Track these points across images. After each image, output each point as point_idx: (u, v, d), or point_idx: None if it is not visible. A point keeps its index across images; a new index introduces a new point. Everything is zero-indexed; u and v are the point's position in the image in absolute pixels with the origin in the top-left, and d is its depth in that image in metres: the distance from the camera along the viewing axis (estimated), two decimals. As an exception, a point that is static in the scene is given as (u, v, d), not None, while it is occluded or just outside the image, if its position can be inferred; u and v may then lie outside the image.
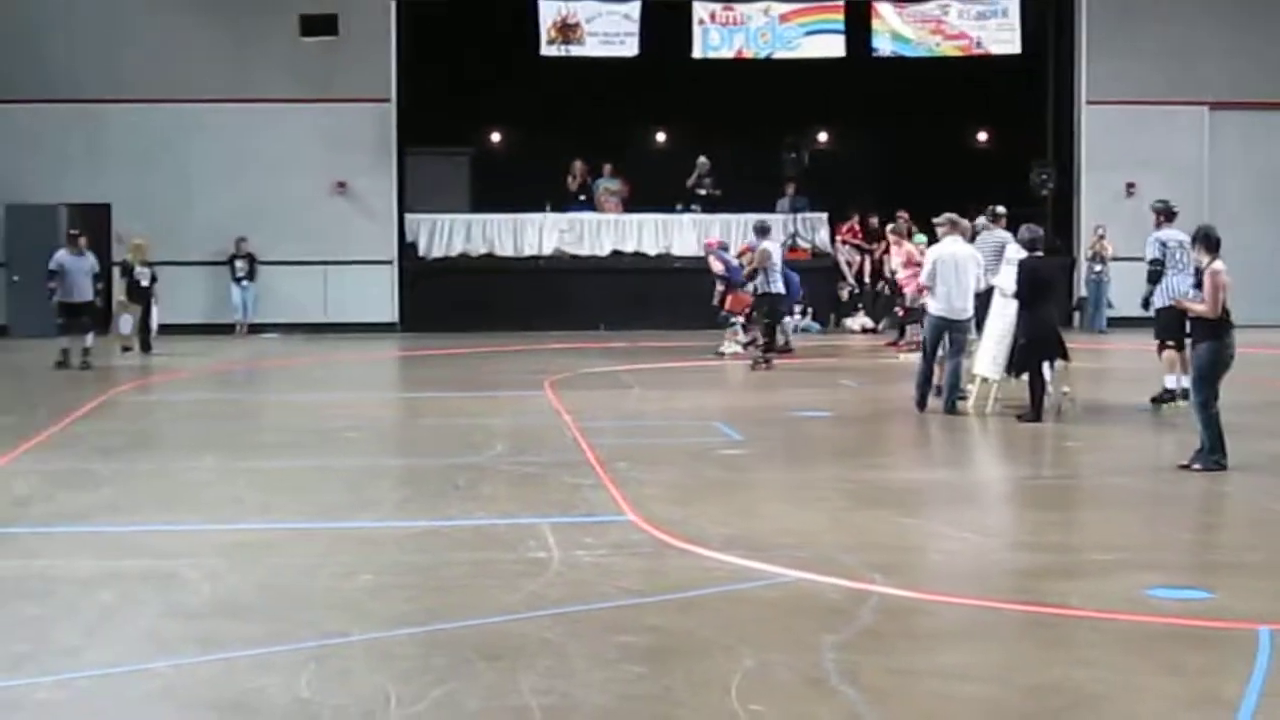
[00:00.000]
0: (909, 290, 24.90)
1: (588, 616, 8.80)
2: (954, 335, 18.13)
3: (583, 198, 34.40)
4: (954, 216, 18.79)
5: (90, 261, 24.88)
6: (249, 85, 32.37)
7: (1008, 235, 19.26)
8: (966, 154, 36.65)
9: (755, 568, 9.91)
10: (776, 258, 24.21)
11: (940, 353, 18.30)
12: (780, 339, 25.64)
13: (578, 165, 34.55)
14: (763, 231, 24.83)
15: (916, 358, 19.38)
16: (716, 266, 26.09)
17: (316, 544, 10.88)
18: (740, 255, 26.55)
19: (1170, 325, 17.57)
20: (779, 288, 24.04)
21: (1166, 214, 18.92)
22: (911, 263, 24.81)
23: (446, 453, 15.33)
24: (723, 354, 25.49)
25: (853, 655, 7.98)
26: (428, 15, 33.29)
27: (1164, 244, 18.50)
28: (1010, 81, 33.83)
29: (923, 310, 22.65)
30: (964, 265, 18.18)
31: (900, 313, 26.54)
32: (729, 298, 25.64)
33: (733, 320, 25.89)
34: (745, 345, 25.46)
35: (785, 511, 12.10)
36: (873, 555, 10.26)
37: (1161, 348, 18.39)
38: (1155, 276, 18.43)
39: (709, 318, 26.27)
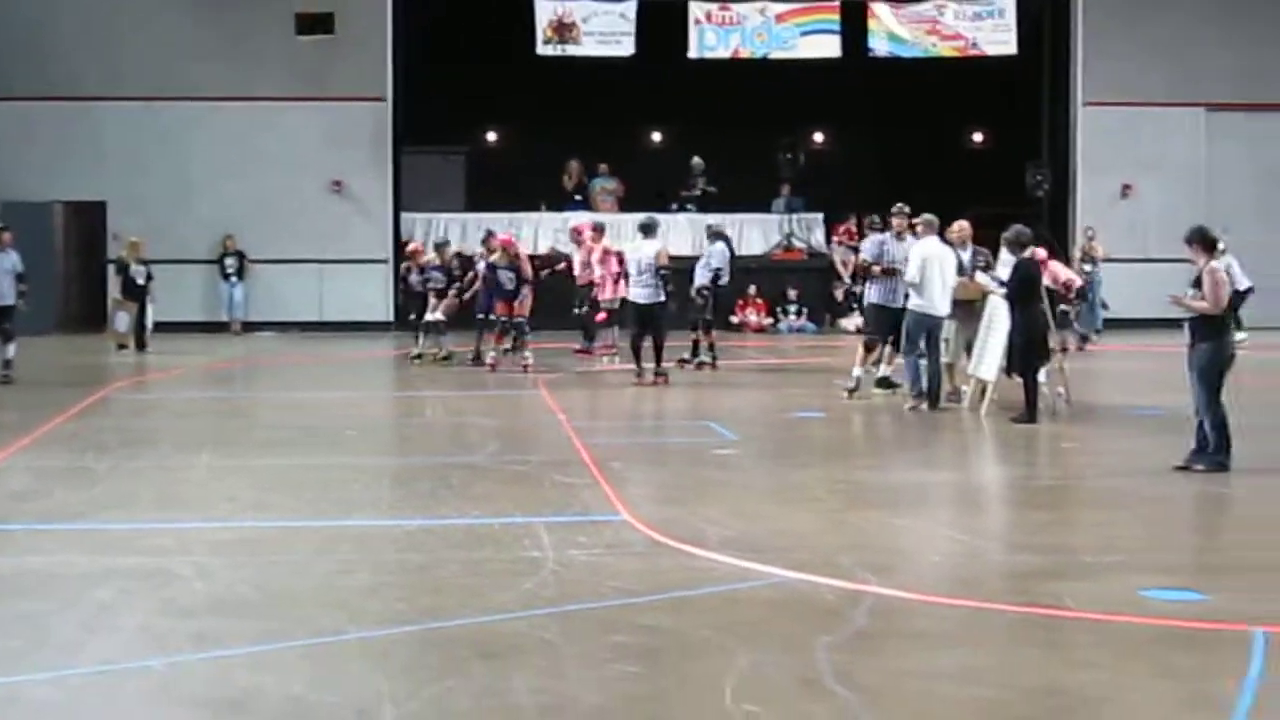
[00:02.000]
0: (606, 294, 24.23)
1: (582, 616, 8.80)
2: (934, 333, 18.42)
3: (579, 197, 34.46)
4: (931, 217, 18.95)
5: (13, 259, 22.18)
6: (246, 84, 32.41)
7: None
8: (962, 155, 36.74)
9: (750, 568, 9.90)
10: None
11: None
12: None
13: (574, 165, 34.63)
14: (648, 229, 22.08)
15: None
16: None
17: (311, 542, 10.87)
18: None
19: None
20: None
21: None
22: (609, 261, 24.22)
23: (440, 452, 15.35)
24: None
25: (847, 656, 7.98)
26: (423, 13, 33.30)
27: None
28: (1006, 82, 33.84)
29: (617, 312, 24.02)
30: (947, 263, 18.47)
31: (600, 317, 24.52)
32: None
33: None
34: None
35: (780, 512, 12.09)
36: (867, 556, 10.25)
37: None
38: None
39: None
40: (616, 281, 23.80)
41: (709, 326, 23.64)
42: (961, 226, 19.29)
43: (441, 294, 24.85)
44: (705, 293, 23.46)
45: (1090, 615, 8.79)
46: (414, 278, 25.40)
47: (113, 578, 9.70)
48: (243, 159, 32.50)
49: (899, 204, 19.97)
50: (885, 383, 19.50)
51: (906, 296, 18.65)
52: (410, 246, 26.73)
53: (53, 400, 19.47)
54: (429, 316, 24.96)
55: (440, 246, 25.67)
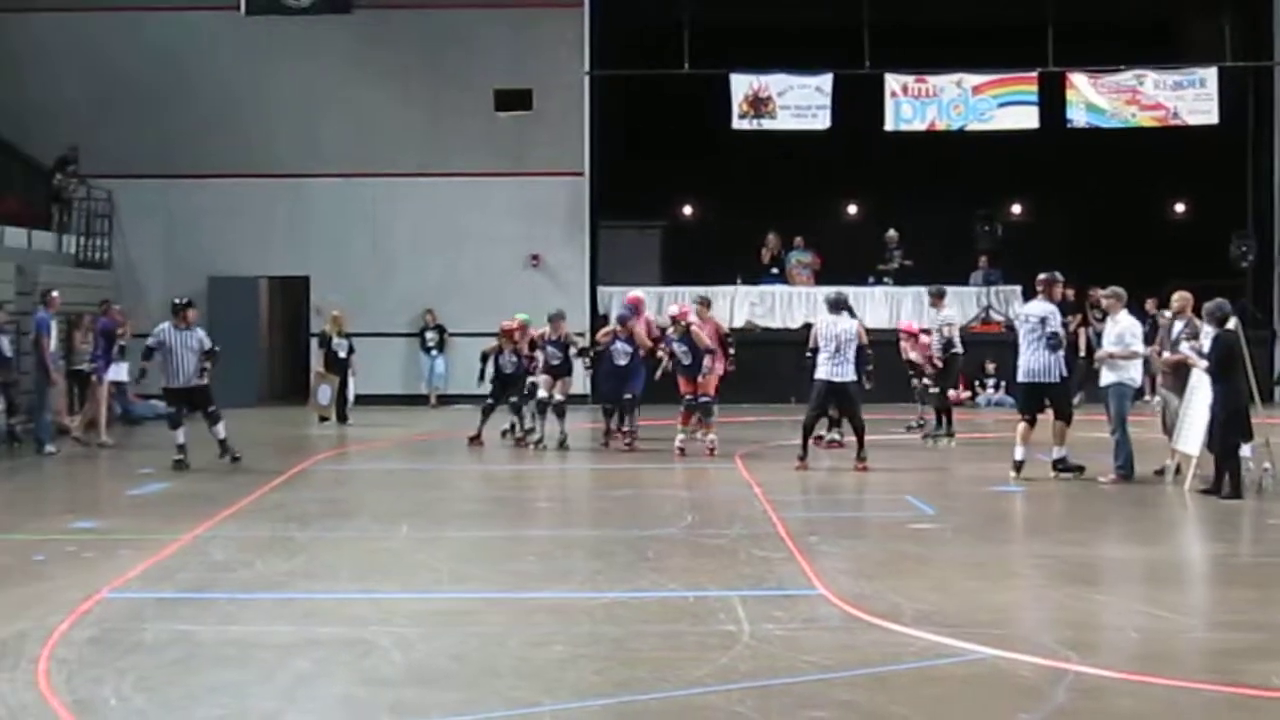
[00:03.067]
0: (718, 368, 22.79)
1: (778, 691, 8.75)
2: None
3: (775, 270, 34.43)
4: (1119, 290, 18.81)
5: (199, 336, 20.88)
6: (445, 159, 32.87)
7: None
8: (1164, 225, 36.21)
9: (948, 644, 9.80)
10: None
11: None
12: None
13: (771, 238, 34.59)
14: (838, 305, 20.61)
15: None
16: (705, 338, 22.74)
17: (508, 614, 10.94)
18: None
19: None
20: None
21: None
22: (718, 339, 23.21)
23: (636, 524, 15.36)
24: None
25: (1047, 734, 7.87)
26: (620, 89, 33.63)
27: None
28: (1208, 152, 33.34)
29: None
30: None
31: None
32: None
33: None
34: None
35: (979, 588, 11.96)
36: (1067, 633, 10.11)
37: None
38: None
39: (901, 389, 25.58)
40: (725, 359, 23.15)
41: None
42: (1183, 296, 18.95)
43: (557, 372, 23.11)
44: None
45: (1299, 696, 8.59)
46: (504, 358, 23.52)
47: (313, 648, 9.83)
48: (442, 233, 32.94)
49: (1053, 272, 19.54)
50: (1064, 464, 19.03)
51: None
52: (505, 324, 23.97)
53: (256, 471, 19.84)
54: (543, 394, 23.07)
55: (555, 319, 23.47)
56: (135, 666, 9.36)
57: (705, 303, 24.16)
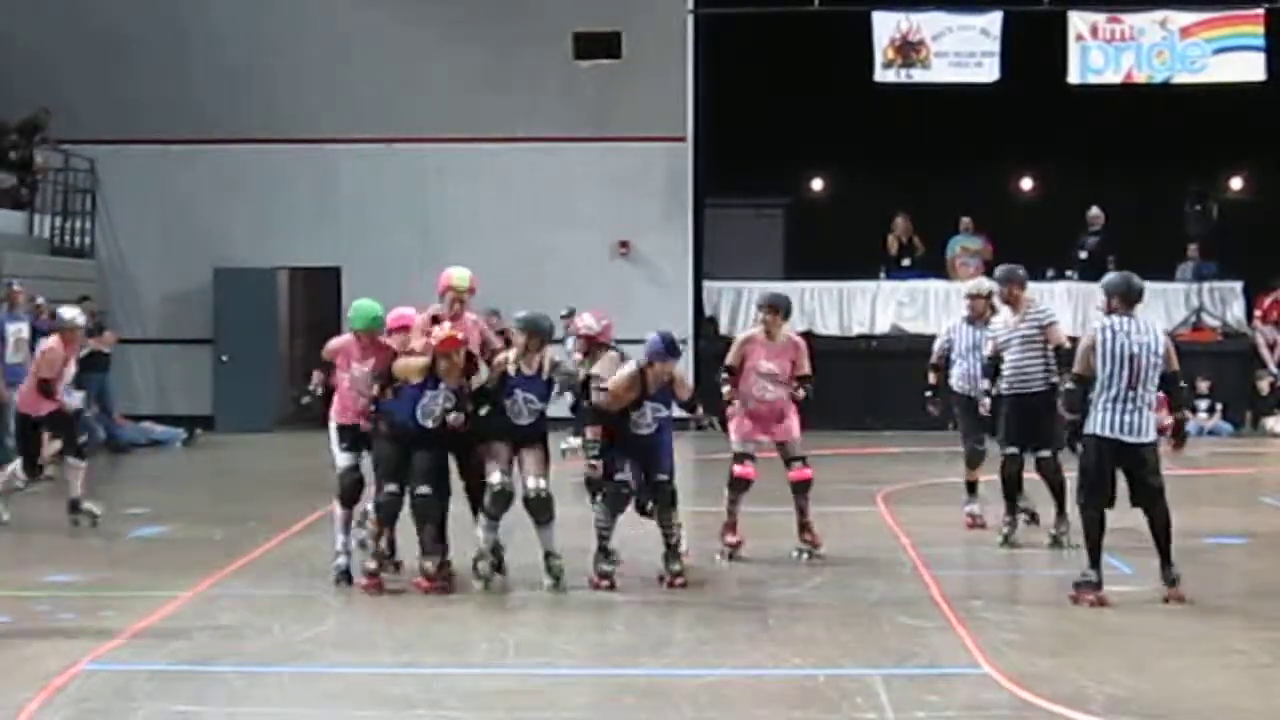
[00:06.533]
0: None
1: (931, 797, 8.76)
2: None
3: (906, 262, 33.94)
4: None
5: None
6: (509, 120, 32.85)
7: None
8: None
9: (1149, 738, 9.77)
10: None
11: None
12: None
13: (900, 221, 34.08)
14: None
15: None
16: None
17: (588, 695, 10.98)
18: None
19: None
20: None
21: None
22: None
23: (753, 583, 15.37)
24: None
25: None
26: (734, 33, 33.51)
27: None
28: None
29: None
30: None
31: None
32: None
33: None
34: None
35: (1189, 667, 11.90)
36: (1302, 725, 10.06)
37: None
38: None
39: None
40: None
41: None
42: None
43: (528, 436, 16.15)
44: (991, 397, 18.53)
45: None
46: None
47: (345, 735, 9.90)
48: (505, 214, 32.90)
49: None
50: None
51: None
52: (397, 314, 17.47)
53: (272, 513, 19.95)
54: (498, 479, 15.32)
55: (528, 328, 17.01)
56: (122, 757, 9.45)
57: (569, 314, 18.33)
